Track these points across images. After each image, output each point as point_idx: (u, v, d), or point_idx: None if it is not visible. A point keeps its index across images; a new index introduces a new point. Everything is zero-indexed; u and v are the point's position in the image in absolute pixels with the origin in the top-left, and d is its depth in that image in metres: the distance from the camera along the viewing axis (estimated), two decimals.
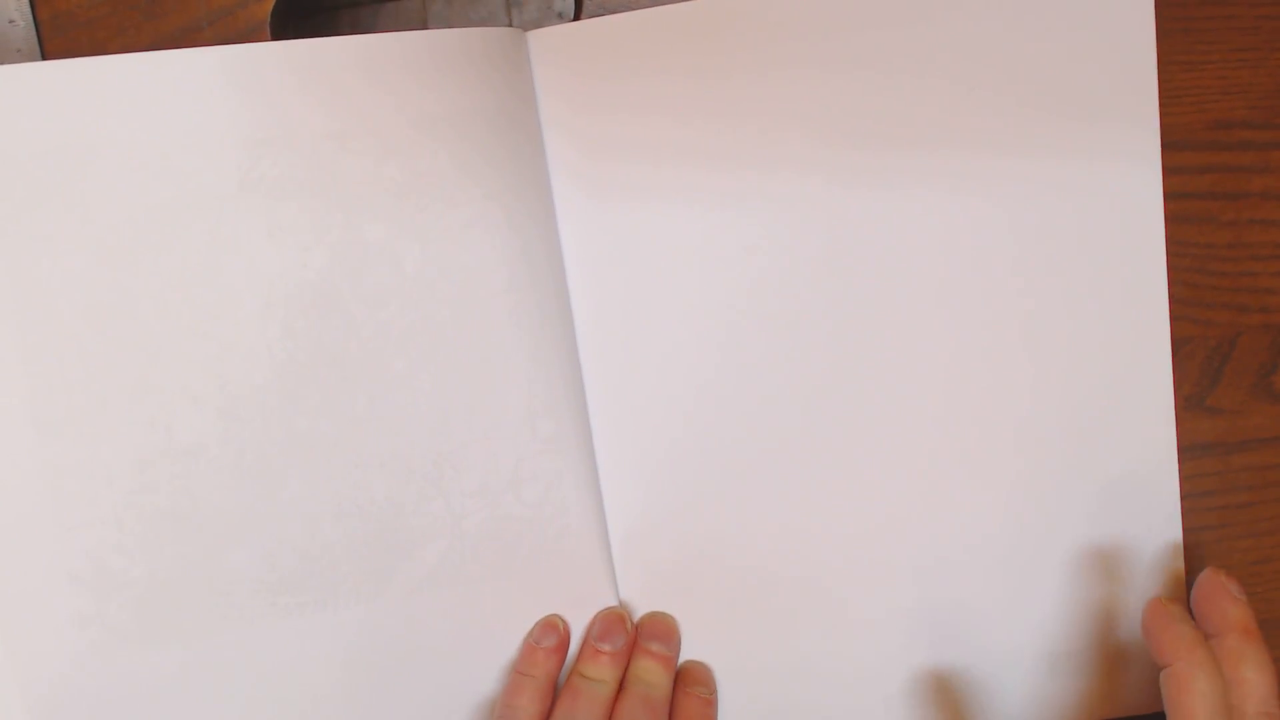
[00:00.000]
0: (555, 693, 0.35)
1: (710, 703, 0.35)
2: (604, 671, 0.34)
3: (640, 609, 0.36)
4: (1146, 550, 0.36)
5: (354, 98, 0.32)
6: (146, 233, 0.32)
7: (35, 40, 0.35)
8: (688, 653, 0.36)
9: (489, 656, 0.35)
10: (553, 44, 0.35)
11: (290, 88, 0.32)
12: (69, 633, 0.32)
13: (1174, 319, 0.37)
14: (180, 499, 0.32)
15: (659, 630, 0.36)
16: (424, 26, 0.37)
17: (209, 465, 0.32)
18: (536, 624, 0.35)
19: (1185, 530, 0.37)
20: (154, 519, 0.32)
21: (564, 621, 0.35)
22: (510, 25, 0.37)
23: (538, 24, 0.37)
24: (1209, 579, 0.34)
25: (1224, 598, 0.33)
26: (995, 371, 0.36)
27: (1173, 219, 0.37)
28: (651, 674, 0.35)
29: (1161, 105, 0.36)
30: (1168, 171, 0.37)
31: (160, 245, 0.32)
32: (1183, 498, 0.37)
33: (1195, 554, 0.37)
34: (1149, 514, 0.36)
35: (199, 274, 0.32)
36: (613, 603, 0.36)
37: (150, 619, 0.32)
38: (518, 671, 0.34)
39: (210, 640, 0.33)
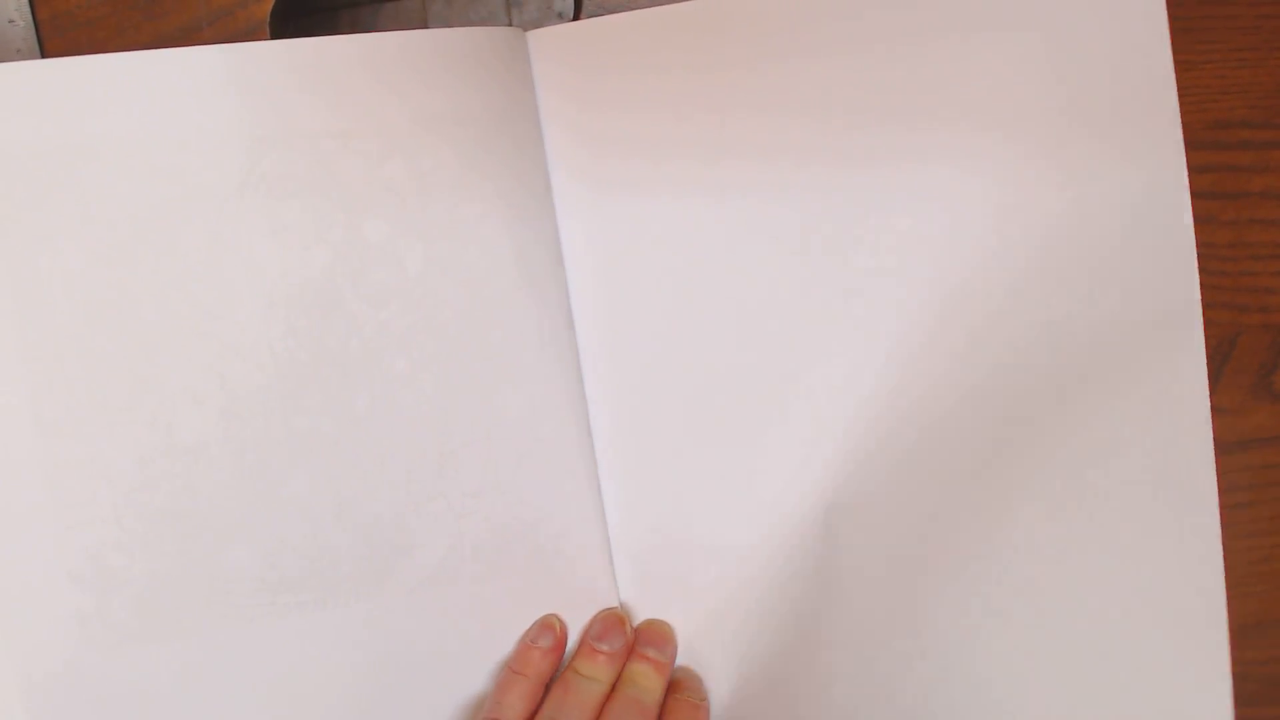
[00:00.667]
0: (546, 693, 0.35)
1: (700, 708, 0.35)
2: (599, 671, 0.34)
3: (639, 609, 0.36)
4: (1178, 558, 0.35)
5: (355, 97, 0.32)
6: (148, 231, 0.32)
7: (35, 40, 0.35)
8: (686, 654, 0.36)
9: (488, 656, 0.35)
10: (552, 43, 0.35)
11: (291, 87, 0.32)
12: (69, 630, 0.32)
13: None
14: (181, 498, 0.32)
15: (656, 637, 0.36)
16: (424, 26, 0.37)
17: (210, 464, 0.32)
18: (534, 623, 0.35)
19: None
20: (154, 517, 0.32)
21: (561, 622, 0.35)
22: (510, 25, 0.37)
23: (538, 24, 0.37)
24: None
25: None
26: (1017, 373, 0.35)
27: None
28: (645, 678, 0.35)
29: None
30: None
31: (161, 244, 0.32)
32: None
33: None
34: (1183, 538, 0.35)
35: (200, 272, 0.32)
36: (613, 603, 0.36)
37: (150, 617, 0.32)
38: (510, 669, 0.34)
39: (210, 638, 0.33)
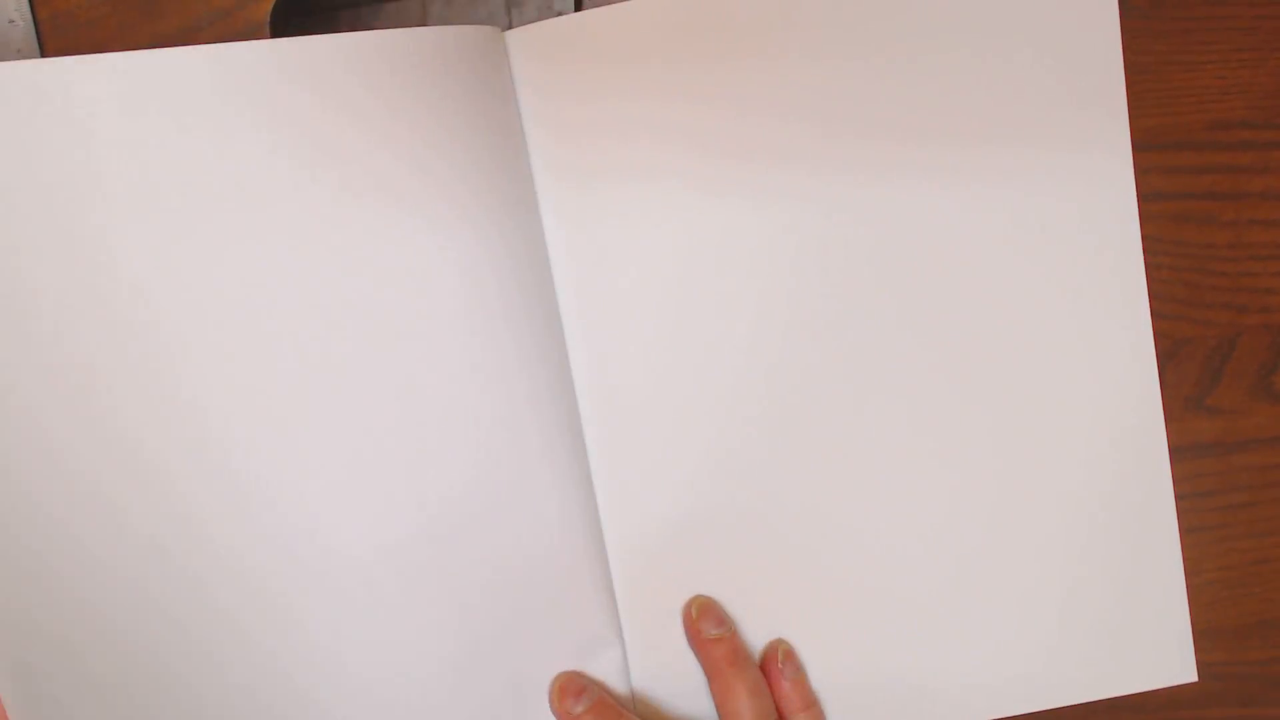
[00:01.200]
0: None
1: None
2: None
3: (637, 623, 0.36)
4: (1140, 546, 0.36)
5: (334, 96, 0.32)
6: (125, 233, 0.31)
7: (35, 40, 0.35)
8: (684, 666, 0.36)
9: (479, 672, 0.34)
10: (531, 41, 0.34)
11: (271, 87, 0.31)
12: None
13: (1174, 319, 0.37)
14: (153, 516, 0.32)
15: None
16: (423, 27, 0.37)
17: (184, 468, 0.32)
18: (567, 692, 0.35)
19: (1185, 531, 0.37)
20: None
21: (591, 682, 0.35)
22: (510, 26, 0.37)
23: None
24: None
25: None
26: (990, 367, 0.36)
27: (1173, 219, 0.37)
28: None
29: (1161, 105, 0.36)
30: (1168, 172, 0.37)
31: (140, 244, 0.31)
32: (1182, 498, 0.37)
33: (1195, 554, 0.37)
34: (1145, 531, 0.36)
35: (180, 276, 0.31)
36: (608, 617, 0.35)
37: None
38: None
39: None
